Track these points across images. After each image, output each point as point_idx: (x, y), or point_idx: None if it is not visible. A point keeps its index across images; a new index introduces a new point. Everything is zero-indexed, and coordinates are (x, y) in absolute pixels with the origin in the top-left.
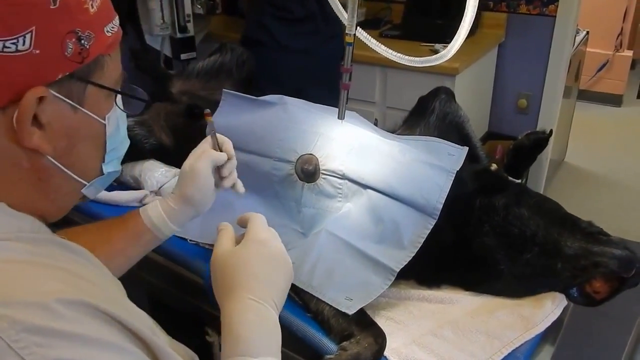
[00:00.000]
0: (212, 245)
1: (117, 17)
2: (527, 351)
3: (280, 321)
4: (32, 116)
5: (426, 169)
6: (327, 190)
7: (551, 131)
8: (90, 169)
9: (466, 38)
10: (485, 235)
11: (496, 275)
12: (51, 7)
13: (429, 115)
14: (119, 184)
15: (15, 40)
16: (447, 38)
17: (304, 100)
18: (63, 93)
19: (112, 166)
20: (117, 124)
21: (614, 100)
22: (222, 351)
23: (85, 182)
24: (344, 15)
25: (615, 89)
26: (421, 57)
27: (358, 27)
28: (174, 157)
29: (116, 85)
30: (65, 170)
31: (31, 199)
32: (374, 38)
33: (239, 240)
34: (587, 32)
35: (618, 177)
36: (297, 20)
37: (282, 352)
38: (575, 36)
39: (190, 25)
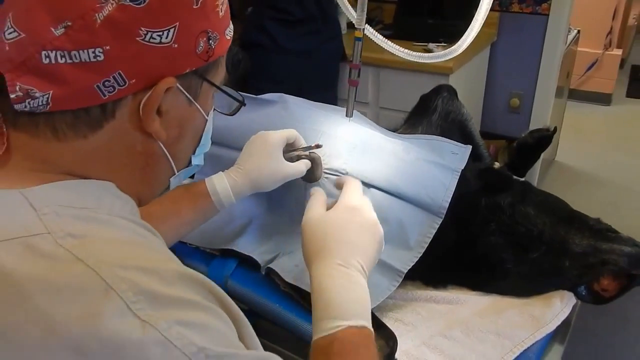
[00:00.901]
0: (213, 250)
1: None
2: (539, 350)
3: (286, 325)
4: (158, 104)
5: (431, 167)
6: (328, 189)
7: (555, 128)
8: (184, 159)
9: (459, 37)
10: (491, 234)
11: (503, 274)
12: (194, 6)
13: (431, 114)
14: None
15: (160, 33)
16: (439, 37)
17: (304, 99)
18: (184, 86)
19: (198, 159)
20: (211, 122)
21: (604, 99)
22: (313, 315)
23: (176, 171)
24: (351, 13)
25: (605, 87)
26: (419, 59)
27: (366, 25)
28: None
29: (220, 85)
30: (169, 157)
31: (134, 183)
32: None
33: (330, 206)
34: (579, 31)
35: (608, 175)
36: (296, 22)
37: (290, 356)
38: (567, 35)
39: None
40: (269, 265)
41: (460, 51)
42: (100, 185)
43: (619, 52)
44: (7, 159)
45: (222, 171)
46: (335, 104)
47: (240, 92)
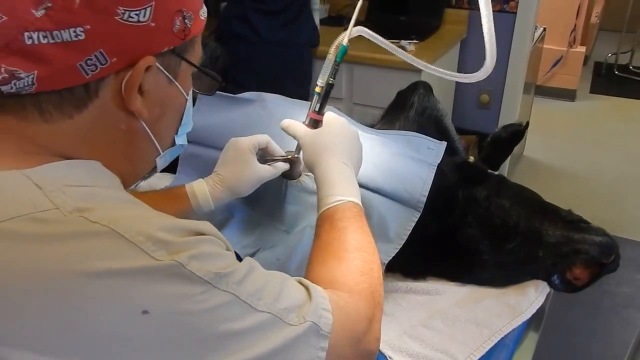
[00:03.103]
0: None
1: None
2: (515, 338)
3: None
4: (139, 82)
5: (408, 162)
6: (310, 186)
7: (527, 123)
8: (167, 139)
9: (431, 34)
10: (468, 226)
11: (480, 265)
12: None
13: (408, 110)
14: None
15: (138, 12)
16: (411, 34)
17: (282, 96)
18: (164, 65)
19: (182, 139)
20: (191, 101)
21: (568, 95)
22: (318, 195)
23: (161, 151)
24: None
25: (569, 84)
26: (392, 56)
27: (364, 29)
28: None
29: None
30: (152, 137)
31: (119, 162)
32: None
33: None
34: (544, 29)
35: (574, 168)
36: (276, 12)
37: None
38: (534, 32)
39: None
40: None
41: (489, 72)
42: (89, 165)
43: (582, 49)
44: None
45: (202, 178)
46: (308, 99)
47: (219, 92)
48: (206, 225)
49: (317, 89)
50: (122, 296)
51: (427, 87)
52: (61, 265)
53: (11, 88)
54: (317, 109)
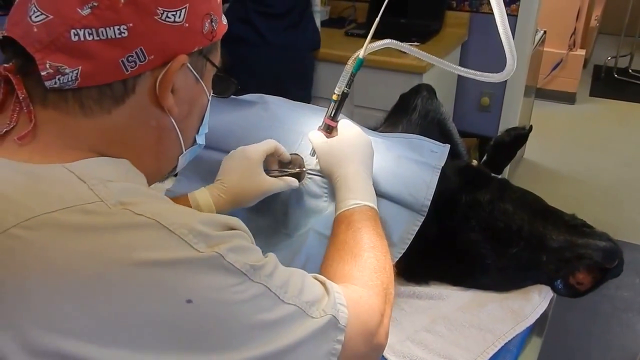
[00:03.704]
0: None
1: None
2: (519, 343)
3: None
4: (173, 79)
5: (411, 165)
6: (312, 190)
7: (531, 127)
8: (190, 138)
9: (432, 37)
10: (471, 230)
11: (483, 269)
12: None
13: (411, 113)
14: None
15: (174, 12)
16: (412, 37)
17: (285, 99)
18: (192, 65)
19: (201, 139)
20: (210, 102)
21: (568, 98)
22: (337, 198)
23: (184, 149)
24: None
25: (569, 87)
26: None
27: (392, 40)
28: None
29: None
30: (179, 134)
31: (146, 157)
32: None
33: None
34: (545, 32)
35: (574, 172)
36: (279, 15)
37: None
38: (535, 35)
39: None
40: None
41: (510, 75)
42: (120, 162)
43: (582, 52)
44: (37, 135)
45: (204, 181)
46: (310, 102)
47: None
48: (236, 221)
49: (334, 97)
50: (167, 286)
51: (430, 90)
52: (110, 255)
53: (55, 83)
54: (332, 115)
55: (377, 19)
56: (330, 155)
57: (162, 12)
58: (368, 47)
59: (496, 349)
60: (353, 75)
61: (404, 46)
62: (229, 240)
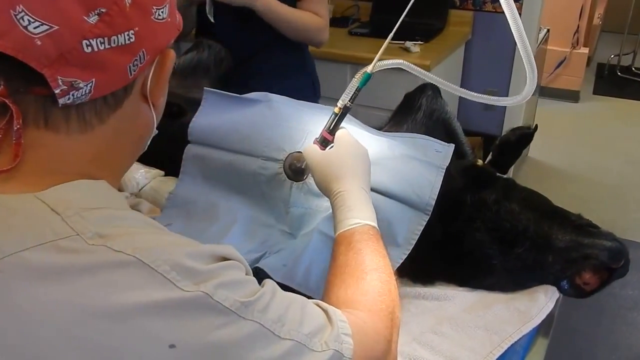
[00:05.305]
0: None
1: None
2: (525, 344)
3: None
4: (165, 74)
5: (416, 165)
6: (316, 189)
7: (536, 126)
8: (160, 118)
9: (435, 35)
10: (477, 230)
11: (489, 270)
12: None
13: (415, 112)
14: None
15: (162, 9)
16: (415, 36)
17: (289, 98)
18: None
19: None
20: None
21: (572, 96)
22: (336, 218)
23: (147, 144)
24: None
25: (573, 85)
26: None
27: (404, 62)
28: (153, 157)
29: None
30: (155, 120)
31: (127, 155)
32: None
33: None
34: (548, 30)
35: (578, 170)
36: None
37: None
38: (538, 34)
39: None
40: (257, 265)
41: (527, 99)
42: (98, 185)
43: (585, 50)
44: (19, 163)
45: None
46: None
47: (223, 92)
48: (229, 249)
49: (336, 110)
50: (149, 331)
51: (435, 89)
52: (84, 303)
53: (69, 99)
54: (330, 128)
55: (386, 43)
56: (326, 170)
57: (155, 10)
58: (377, 65)
59: (502, 350)
60: (358, 90)
61: (416, 69)
62: (219, 274)
